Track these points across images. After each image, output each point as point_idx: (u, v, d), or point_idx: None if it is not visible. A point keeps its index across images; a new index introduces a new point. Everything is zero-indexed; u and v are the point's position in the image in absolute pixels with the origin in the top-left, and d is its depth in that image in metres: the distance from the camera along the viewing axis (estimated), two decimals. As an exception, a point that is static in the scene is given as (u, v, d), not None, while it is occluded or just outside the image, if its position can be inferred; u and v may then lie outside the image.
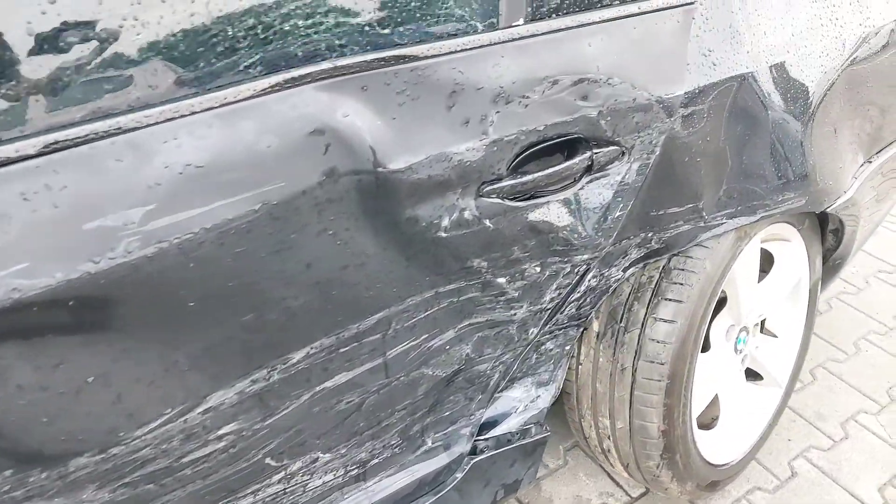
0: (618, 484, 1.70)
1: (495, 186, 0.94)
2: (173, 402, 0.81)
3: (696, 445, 1.41)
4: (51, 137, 0.65)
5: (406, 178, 0.85)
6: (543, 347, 1.27)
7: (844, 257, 1.69)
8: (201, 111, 0.70)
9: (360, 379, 0.99)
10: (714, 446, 1.52)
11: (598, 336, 1.32)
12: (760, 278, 1.51)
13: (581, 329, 1.28)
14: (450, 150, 0.87)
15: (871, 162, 1.49)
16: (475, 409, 1.24)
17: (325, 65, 0.77)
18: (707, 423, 1.57)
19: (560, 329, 1.25)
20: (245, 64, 0.73)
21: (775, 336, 1.70)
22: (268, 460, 0.96)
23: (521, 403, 1.32)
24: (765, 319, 1.71)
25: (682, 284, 1.23)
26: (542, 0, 0.90)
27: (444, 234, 0.93)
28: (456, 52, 0.84)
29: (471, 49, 0.85)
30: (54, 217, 0.65)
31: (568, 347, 1.29)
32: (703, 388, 1.40)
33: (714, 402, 1.55)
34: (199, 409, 0.84)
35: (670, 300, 1.23)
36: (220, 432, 0.88)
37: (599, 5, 0.95)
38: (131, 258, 0.68)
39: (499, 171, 0.93)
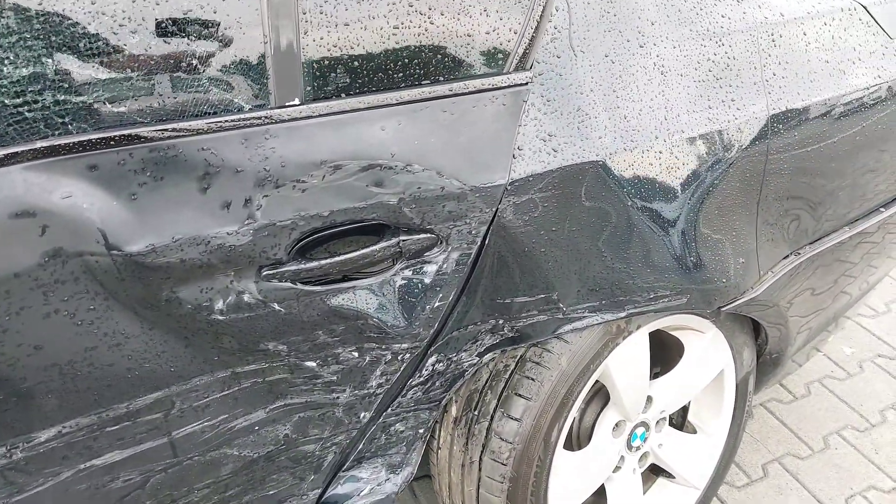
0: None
1: (277, 271, 0.88)
2: None
3: (560, 550, 1.30)
4: None
5: (151, 260, 0.80)
6: (392, 429, 1.19)
7: (782, 351, 1.53)
8: None
9: (139, 457, 0.94)
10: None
11: (454, 421, 1.23)
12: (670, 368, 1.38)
13: (435, 412, 1.19)
14: (207, 234, 0.81)
15: (798, 254, 1.34)
16: (307, 489, 1.17)
17: (40, 144, 0.73)
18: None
19: (408, 412, 1.17)
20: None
21: (695, 432, 1.56)
22: (25, 534, 0.93)
23: (367, 485, 1.24)
24: (686, 414, 1.56)
25: (533, 380, 1.13)
26: (324, 79, 0.83)
27: (221, 317, 0.88)
28: (205, 131, 0.78)
29: (224, 130, 0.80)
30: None
31: (422, 430, 1.21)
32: (574, 487, 1.28)
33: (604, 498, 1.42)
34: None
35: (520, 396, 1.13)
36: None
37: (399, 86, 0.88)
38: None
39: (276, 256, 0.86)
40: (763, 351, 1.55)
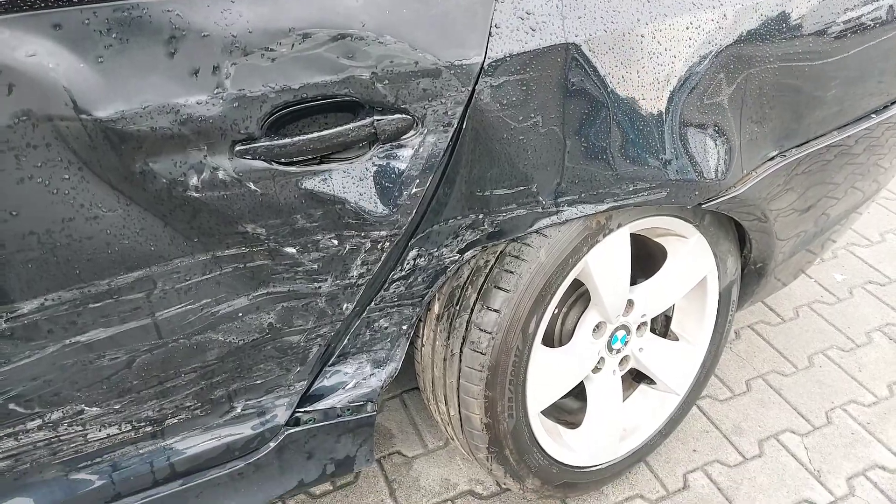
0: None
1: (249, 146, 0.87)
2: None
3: (538, 443, 1.33)
4: None
5: (122, 127, 0.79)
6: (377, 325, 1.21)
7: (766, 261, 1.54)
8: None
9: (123, 337, 0.96)
10: (575, 447, 1.42)
11: (437, 318, 1.24)
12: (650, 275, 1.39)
13: (418, 308, 1.21)
14: (175, 102, 0.81)
15: (784, 156, 1.33)
16: (294, 381, 1.20)
17: (-1, -3, 0.72)
18: (581, 420, 1.47)
19: (392, 307, 1.18)
20: None
21: (676, 339, 1.58)
22: (12, 406, 0.95)
23: (352, 379, 1.27)
24: (668, 321, 1.58)
25: (512, 273, 1.14)
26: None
27: (196, 195, 0.88)
28: (169, -8, 0.77)
29: (189, -9, 0.78)
30: None
31: (405, 327, 1.22)
32: (552, 383, 1.30)
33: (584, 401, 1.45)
34: None
35: (500, 289, 1.14)
36: (-64, 374, 0.86)
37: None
38: None
39: (248, 130, 0.86)
40: (748, 262, 1.55)
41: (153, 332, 0.98)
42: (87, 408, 1.01)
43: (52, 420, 1.00)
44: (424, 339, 1.28)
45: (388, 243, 1.05)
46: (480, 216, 1.10)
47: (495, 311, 1.15)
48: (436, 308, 1.25)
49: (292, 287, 1.04)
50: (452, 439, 1.37)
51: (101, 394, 1.00)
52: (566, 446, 1.41)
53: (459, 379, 1.20)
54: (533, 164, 1.05)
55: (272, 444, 1.22)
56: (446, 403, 1.27)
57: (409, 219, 1.02)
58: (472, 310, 1.17)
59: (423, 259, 1.12)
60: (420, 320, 1.30)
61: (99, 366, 0.97)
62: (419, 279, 1.16)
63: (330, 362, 1.23)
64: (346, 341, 1.20)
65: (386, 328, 1.22)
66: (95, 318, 0.92)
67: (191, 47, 0.80)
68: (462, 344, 1.18)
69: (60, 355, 0.93)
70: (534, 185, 1.07)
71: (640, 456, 1.58)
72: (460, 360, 1.19)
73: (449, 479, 1.62)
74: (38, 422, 0.99)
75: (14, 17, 0.73)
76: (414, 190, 0.99)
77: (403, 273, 1.13)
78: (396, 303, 1.18)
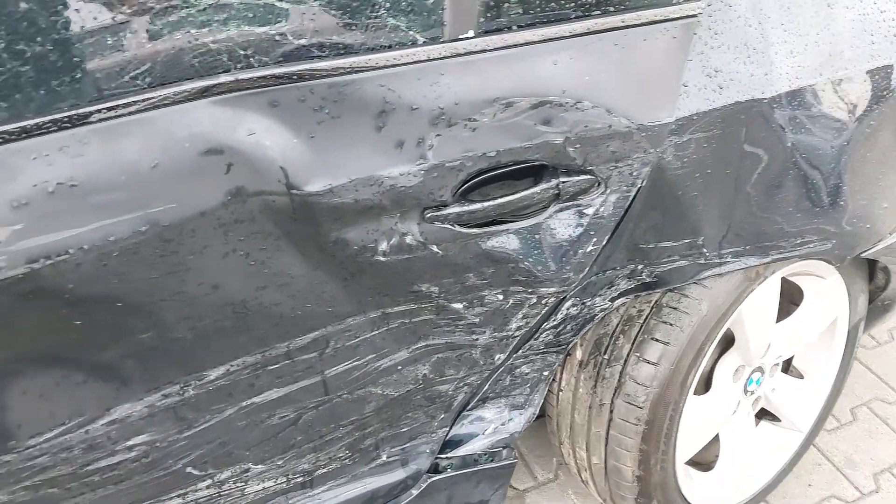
0: (609, 508, 1.61)
1: (440, 213, 0.86)
2: (68, 415, 0.79)
3: (681, 492, 1.31)
4: None
5: (327, 201, 0.78)
6: (518, 371, 1.19)
7: (894, 299, 1.49)
8: (79, 125, 0.65)
9: (294, 395, 0.96)
10: (708, 490, 1.40)
11: (580, 364, 1.22)
12: (788, 313, 1.35)
13: (562, 355, 1.19)
14: (380, 174, 0.79)
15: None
16: (437, 427, 1.19)
17: (225, 78, 0.70)
18: (709, 460, 1.45)
19: (537, 354, 1.17)
20: (130, 75, 0.67)
21: (801, 377, 1.54)
22: (189, 469, 0.95)
23: (490, 425, 1.25)
24: (791, 358, 1.54)
25: (671, 325, 1.11)
26: (497, 10, 0.79)
27: (383, 259, 0.87)
28: (385, 66, 0.75)
29: (403, 64, 0.76)
30: None
31: (546, 373, 1.20)
32: (698, 431, 1.28)
33: (715, 440, 1.42)
34: (102, 421, 0.82)
35: (657, 340, 1.12)
36: (130, 443, 0.86)
37: (571, 17, 0.83)
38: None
39: (442, 198, 0.84)
40: (875, 297, 1.51)
41: (321, 389, 0.98)
42: (253, 465, 1.01)
43: (221, 479, 1.00)
44: (563, 384, 1.27)
45: (553, 299, 1.03)
46: (640, 266, 1.07)
47: (653, 364, 1.12)
48: (578, 354, 1.23)
49: (450, 339, 1.03)
50: (587, 483, 1.35)
51: (267, 451, 1.00)
52: (700, 489, 1.39)
53: (609, 430, 1.18)
54: (703, 217, 1.02)
55: (415, 492, 1.22)
56: (587, 450, 1.25)
57: (581, 275, 1.00)
58: (626, 361, 1.14)
59: (575, 308, 1.10)
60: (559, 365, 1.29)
61: (269, 424, 0.97)
62: (568, 327, 1.14)
63: (468, 407, 1.22)
64: (486, 387, 1.19)
65: (527, 374, 1.20)
66: (272, 379, 0.92)
67: (399, 121, 0.78)
68: (614, 395, 1.16)
69: (236, 417, 0.93)
70: (700, 238, 1.05)
71: (763, 495, 1.55)
72: (611, 411, 1.17)
73: (565, 515, 1.60)
74: (209, 482, 0.99)
75: (235, 97, 0.71)
76: (590, 248, 0.97)
77: (555, 322, 1.11)
78: (542, 350, 1.16)
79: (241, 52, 0.71)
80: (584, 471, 1.31)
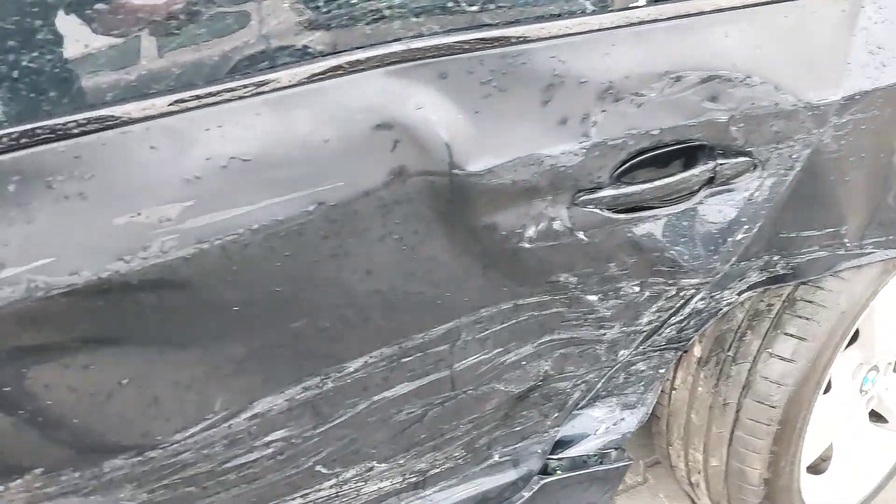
0: (703, 512, 1.55)
1: (594, 196, 0.81)
2: (215, 408, 0.75)
3: (801, 496, 1.24)
4: None
5: (486, 182, 0.73)
6: (634, 368, 1.14)
7: None
8: (248, 96, 0.61)
9: (423, 390, 0.91)
10: (820, 494, 1.34)
11: (699, 362, 1.17)
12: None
13: (680, 352, 1.14)
14: (541, 153, 0.75)
15: None
16: (549, 427, 1.14)
17: (397, 47, 0.66)
18: (815, 464, 1.39)
19: (655, 351, 1.11)
20: (302, 43, 0.63)
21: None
22: (318, 468, 0.91)
23: (602, 425, 1.20)
24: None
25: (807, 319, 1.05)
26: (671, -24, 0.74)
27: (527, 245, 0.82)
28: (556, 36, 0.70)
29: (575, 34, 0.71)
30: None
31: (662, 370, 1.15)
32: (820, 433, 1.22)
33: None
34: (245, 415, 0.78)
35: (791, 335, 1.06)
36: (268, 439, 0.82)
37: (743, -14, 0.78)
38: (168, 258, 0.62)
39: (599, 180, 0.79)
40: None
41: (448, 384, 0.93)
42: (377, 464, 0.97)
43: (345, 479, 0.95)
44: (678, 382, 1.21)
45: (693, 290, 0.97)
46: (776, 258, 1.02)
47: (788, 360, 1.06)
48: (696, 351, 1.17)
49: (576, 334, 0.98)
50: (696, 486, 1.29)
51: (392, 449, 0.96)
52: (814, 493, 1.32)
53: (734, 430, 1.13)
54: (849, 205, 0.97)
55: (526, 494, 1.17)
56: (705, 452, 1.20)
57: (728, 265, 0.94)
58: (756, 358, 1.09)
59: (703, 302, 1.05)
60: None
61: (396, 420, 0.92)
62: (692, 323, 1.08)
63: (579, 406, 1.17)
64: (600, 385, 1.13)
65: (642, 371, 1.15)
66: (404, 372, 0.88)
67: (566, 95, 0.73)
68: (741, 394, 1.10)
69: (367, 412, 0.89)
70: (844, 227, 0.99)
71: (867, 500, 1.48)
72: (737, 411, 1.11)
73: (658, 519, 1.54)
74: (333, 481, 0.94)
75: (407, 67, 0.67)
76: (740, 237, 0.92)
77: (681, 317, 1.06)
78: (662, 347, 1.11)
79: (414, 20, 0.66)
80: (696, 473, 1.26)
